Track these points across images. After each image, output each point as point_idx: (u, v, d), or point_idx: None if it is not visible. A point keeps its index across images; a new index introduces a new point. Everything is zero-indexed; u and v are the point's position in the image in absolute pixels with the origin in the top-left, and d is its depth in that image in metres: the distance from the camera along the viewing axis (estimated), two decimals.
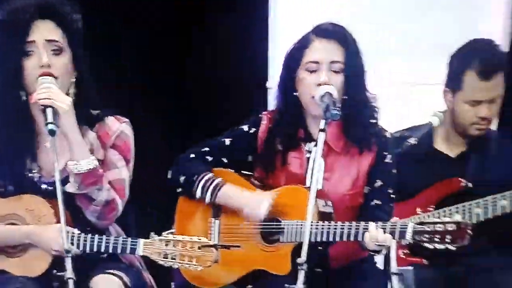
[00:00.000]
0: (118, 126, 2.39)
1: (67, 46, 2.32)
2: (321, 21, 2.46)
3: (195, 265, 2.20)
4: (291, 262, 2.36)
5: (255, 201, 2.37)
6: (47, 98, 2.22)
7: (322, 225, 2.33)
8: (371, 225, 2.29)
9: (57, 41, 2.30)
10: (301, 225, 2.34)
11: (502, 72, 2.72)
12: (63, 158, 2.29)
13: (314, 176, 2.24)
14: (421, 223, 2.29)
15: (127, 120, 2.42)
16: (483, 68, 2.68)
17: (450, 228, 2.26)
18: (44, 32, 2.29)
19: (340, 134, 2.46)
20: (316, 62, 2.40)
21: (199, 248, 2.19)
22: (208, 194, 2.42)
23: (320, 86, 2.38)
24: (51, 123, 2.18)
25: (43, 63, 2.27)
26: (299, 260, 2.12)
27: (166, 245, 2.21)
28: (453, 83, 2.75)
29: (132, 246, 2.25)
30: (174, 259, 2.20)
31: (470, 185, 2.74)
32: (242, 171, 2.53)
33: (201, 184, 2.42)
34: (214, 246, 2.20)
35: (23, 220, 2.34)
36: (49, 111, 2.20)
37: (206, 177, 2.43)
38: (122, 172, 2.38)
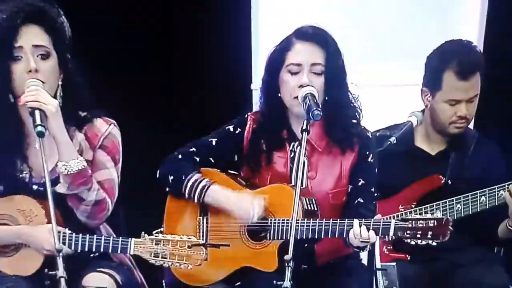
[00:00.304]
0: (106, 127, 2.43)
1: (53, 50, 2.35)
2: (303, 24, 2.52)
3: (185, 263, 2.24)
4: (278, 259, 2.41)
5: (245, 204, 2.41)
6: (35, 101, 2.25)
7: (307, 223, 2.38)
8: (355, 222, 2.34)
9: (44, 46, 2.33)
10: (287, 223, 2.39)
11: (479, 72, 2.79)
12: (53, 159, 2.33)
13: (298, 175, 2.29)
14: (404, 220, 2.34)
15: (114, 121, 2.46)
16: (462, 68, 2.74)
17: (431, 224, 2.31)
18: (32, 37, 2.32)
19: (323, 134, 2.51)
20: (298, 65, 2.45)
21: (189, 247, 2.23)
22: (196, 194, 2.46)
23: (302, 87, 2.43)
24: (39, 125, 2.21)
25: (30, 68, 2.31)
26: (285, 257, 2.16)
27: (157, 244, 2.25)
28: (432, 83, 2.80)
29: (123, 246, 2.29)
30: (165, 258, 2.24)
31: (449, 182, 2.80)
32: (229, 171, 2.57)
33: (189, 185, 2.46)
34: (204, 245, 2.24)
35: (15, 221, 2.37)
36: (37, 113, 2.24)
37: (194, 178, 2.47)
38: (111, 172, 2.42)
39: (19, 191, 2.38)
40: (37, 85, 2.29)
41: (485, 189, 2.75)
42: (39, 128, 2.20)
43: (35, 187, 2.38)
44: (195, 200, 2.47)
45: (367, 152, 2.52)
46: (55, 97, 2.34)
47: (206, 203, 2.48)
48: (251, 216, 2.41)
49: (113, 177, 2.42)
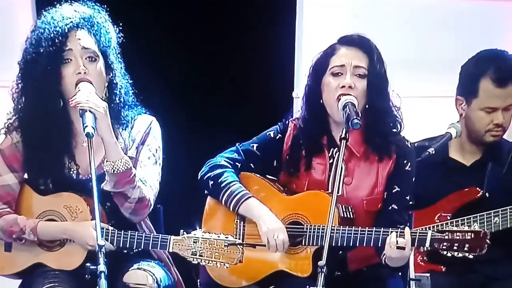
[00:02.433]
0: (148, 124, 2.52)
1: (100, 53, 2.45)
2: (344, 33, 2.55)
3: (222, 262, 2.31)
4: (312, 264, 2.44)
5: (269, 233, 2.42)
6: (86, 103, 2.35)
7: (343, 230, 2.40)
8: (393, 233, 2.35)
9: (92, 49, 2.44)
10: (323, 229, 2.42)
11: None
12: (98, 156, 2.42)
13: (335, 182, 2.32)
14: (440, 231, 2.35)
15: (154, 118, 2.54)
16: (499, 75, 2.73)
17: (468, 237, 2.32)
18: (80, 41, 2.43)
19: (362, 140, 2.53)
20: (341, 66, 2.48)
21: (225, 246, 2.29)
22: (232, 205, 2.51)
23: (344, 87, 2.45)
24: (89, 126, 2.30)
25: (80, 69, 2.41)
26: (319, 263, 2.19)
27: (195, 242, 2.31)
28: (468, 90, 2.79)
29: (163, 243, 2.37)
30: (202, 256, 2.31)
31: (487, 194, 2.78)
32: (267, 176, 2.62)
33: (227, 194, 2.51)
34: (240, 244, 2.29)
35: (61, 217, 2.48)
36: (87, 115, 2.33)
37: (231, 188, 2.51)
38: (154, 168, 2.50)
39: (66, 188, 2.48)
40: (88, 88, 2.39)
41: None
42: (89, 129, 2.29)
43: (81, 184, 2.47)
44: (230, 209, 2.52)
45: (405, 161, 2.53)
46: (102, 98, 2.44)
47: (240, 213, 2.52)
48: (271, 245, 2.42)
49: (154, 173, 2.50)
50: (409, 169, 2.54)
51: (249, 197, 2.50)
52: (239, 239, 2.51)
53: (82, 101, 2.35)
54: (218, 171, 2.56)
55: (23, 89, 2.46)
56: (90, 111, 2.33)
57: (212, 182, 2.55)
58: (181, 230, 2.36)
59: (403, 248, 2.35)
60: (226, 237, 2.30)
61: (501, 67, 2.74)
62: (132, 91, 2.54)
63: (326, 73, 2.51)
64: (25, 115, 2.46)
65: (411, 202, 2.55)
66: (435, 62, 3.43)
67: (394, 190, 2.51)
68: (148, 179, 2.49)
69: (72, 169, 2.50)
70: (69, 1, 2.48)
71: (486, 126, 2.77)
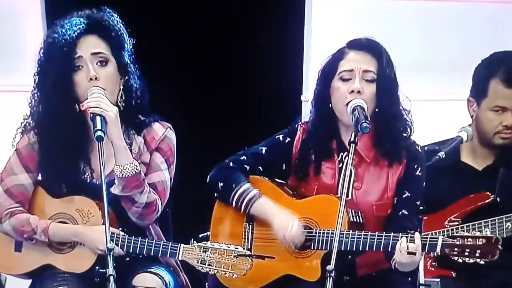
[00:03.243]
0: (163, 131, 2.53)
1: (111, 56, 2.45)
2: (353, 36, 2.54)
3: (230, 272, 2.32)
4: (321, 269, 2.44)
5: (284, 226, 2.43)
6: (97, 107, 2.36)
7: (352, 235, 2.40)
8: (403, 238, 2.34)
9: (101, 53, 2.43)
10: (332, 233, 2.41)
11: None
12: (112, 162, 2.43)
13: (344, 186, 2.31)
14: (451, 237, 2.33)
15: (170, 125, 2.55)
16: (509, 76, 2.72)
17: (480, 243, 2.30)
18: (89, 46, 2.43)
19: (371, 145, 2.52)
20: (350, 71, 2.48)
21: (235, 256, 2.30)
22: (243, 205, 2.51)
23: (353, 92, 2.45)
24: (99, 130, 2.32)
25: (91, 75, 2.41)
26: (328, 268, 2.19)
27: (205, 252, 2.32)
28: (478, 91, 2.78)
29: (172, 251, 2.38)
30: (211, 265, 2.32)
31: (498, 199, 2.77)
32: (276, 179, 2.62)
33: (237, 194, 2.51)
34: (250, 255, 2.30)
35: (73, 220, 2.49)
36: (98, 119, 2.34)
37: (242, 188, 2.52)
38: (165, 174, 2.51)
39: (80, 192, 2.49)
40: (99, 92, 2.39)
41: None
42: (99, 133, 2.30)
43: (95, 188, 2.48)
44: (241, 210, 2.53)
45: (415, 166, 2.52)
46: (116, 101, 2.44)
47: (251, 214, 2.53)
48: (286, 238, 2.42)
49: (166, 179, 2.51)
50: (419, 174, 2.53)
51: (260, 196, 2.50)
52: (248, 243, 2.52)
53: (93, 105, 2.36)
54: (228, 173, 2.56)
55: (39, 97, 2.47)
56: (100, 115, 2.34)
57: (222, 184, 2.55)
58: (191, 239, 2.36)
59: (414, 254, 2.34)
60: (236, 248, 2.31)
61: (511, 67, 2.72)
62: (148, 96, 2.53)
63: (335, 78, 2.50)
64: (41, 118, 2.47)
65: (421, 207, 2.55)
66: (442, 65, 3.42)
67: (404, 196, 2.51)
68: (159, 185, 2.49)
69: (87, 173, 2.51)
70: (79, 7, 2.48)
71: (495, 128, 2.76)
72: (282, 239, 2.44)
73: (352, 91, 2.46)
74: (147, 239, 2.42)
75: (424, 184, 2.54)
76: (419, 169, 2.53)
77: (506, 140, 2.77)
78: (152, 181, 2.48)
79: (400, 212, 2.49)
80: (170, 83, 3.37)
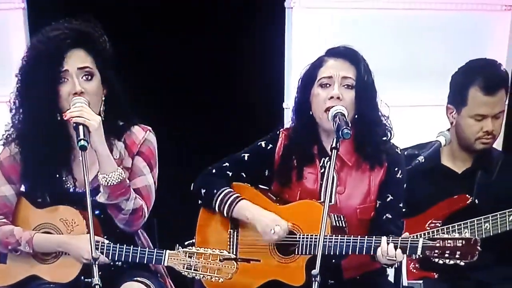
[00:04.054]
0: (143, 134, 2.54)
1: (96, 70, 2.47)
2: (333, 44, 2.59)
3: (216, 276, 2.33)
4: (305, 273, 2.46)
5: (269, 225, 2.47)
6: (79, 116, 2.37)
7: (335, 239, 2.43)
8: (383, 240, 2.38)
9: (88, 67, 2.45)
10: (315, 238, 2.44)
11: (504, 89, 2.80)
12: (93, 170, 2.44)
13: (327, 191, 2.34)
14: (432, 239, 2.37)
15: (150, 128, 2.56)
16: (487, 83, 2.76)
17: (459, 244, 2.33)
18: (76, 60, 2.44)
19: (352, 150, 2.56)
20: (329, 77, 2.52)
21: (220, 260, 2.31)
22: (225, 209, 2.54)
23: (332, 99, 2.49)
24: (82, 139, 2.33)
25: (76, 90, 2.42)
26: (313, 272, 2.21)
27: (190, 257, 2.34)
28: (457, 99, 2.82)
29: (158, 257, 2.39)
30: (197, 270, 2.33)
31: (476, 201, 2.82)
32: (260, 186, 2.64)
33: (219, 199, 2.54)
34: (235, 259, 2.32)
35: (57, 230, 2.49)
36: (81, 128, 2.35)
37: (224, 192, 2.55)
38: (148, 178, 2.52)
39: (63, 201, 2.49)
40: (82, 102, 2.40)
41: None
42: (82, 143, 2.31)
43: (78, 197, 2.49)
44: (224, 214, 2.55)
45: (396, 168, 2.56)
46: (99, 112, 2.46)
47: (234, 217, 2.55)
48: (270, 237, 2.45)
49: (150, 183, 2.52)
50: (400, 176, 2.57)
51: (241, 199, 2.53)
52: (233, 249, 2.54)
53: (75, 114, 2.37)
54: (210, 179, 2.59)
55: (20, 104, 2.47)
56: (83, 124, 2.35)
57: (204, 190, 2.58)
58: (177, 245, 2.37)
59: (394, 260, 2.38)
60: (221, 252, 2.32)
61: (489, 75, 2.77)
62: (128, 102, 2.54)
63: (315, 85, 2.55)
64: (23, 129, 2.47)
65: (403, 210, 2.58)
66: (422, 72, 3.47)
67: (388, 199, 2.54)
68: (143, 189, 2.50)
69: (69, 183, 2.51)
70: (64, 18, 2.48)
71: (476, 134, 2.80)
72: (268, 233, 2.46)
73: (331, 97, 2.50)
74: (132, 246, 2.43)
75: (405, 186, 2.58)
76: (400, 171, 2.57)
77: (487, 146, 2.82)
78: (137, 186, 2.50)
79: (384, 216, 2.53)
80: (154, 91, 3.39)
